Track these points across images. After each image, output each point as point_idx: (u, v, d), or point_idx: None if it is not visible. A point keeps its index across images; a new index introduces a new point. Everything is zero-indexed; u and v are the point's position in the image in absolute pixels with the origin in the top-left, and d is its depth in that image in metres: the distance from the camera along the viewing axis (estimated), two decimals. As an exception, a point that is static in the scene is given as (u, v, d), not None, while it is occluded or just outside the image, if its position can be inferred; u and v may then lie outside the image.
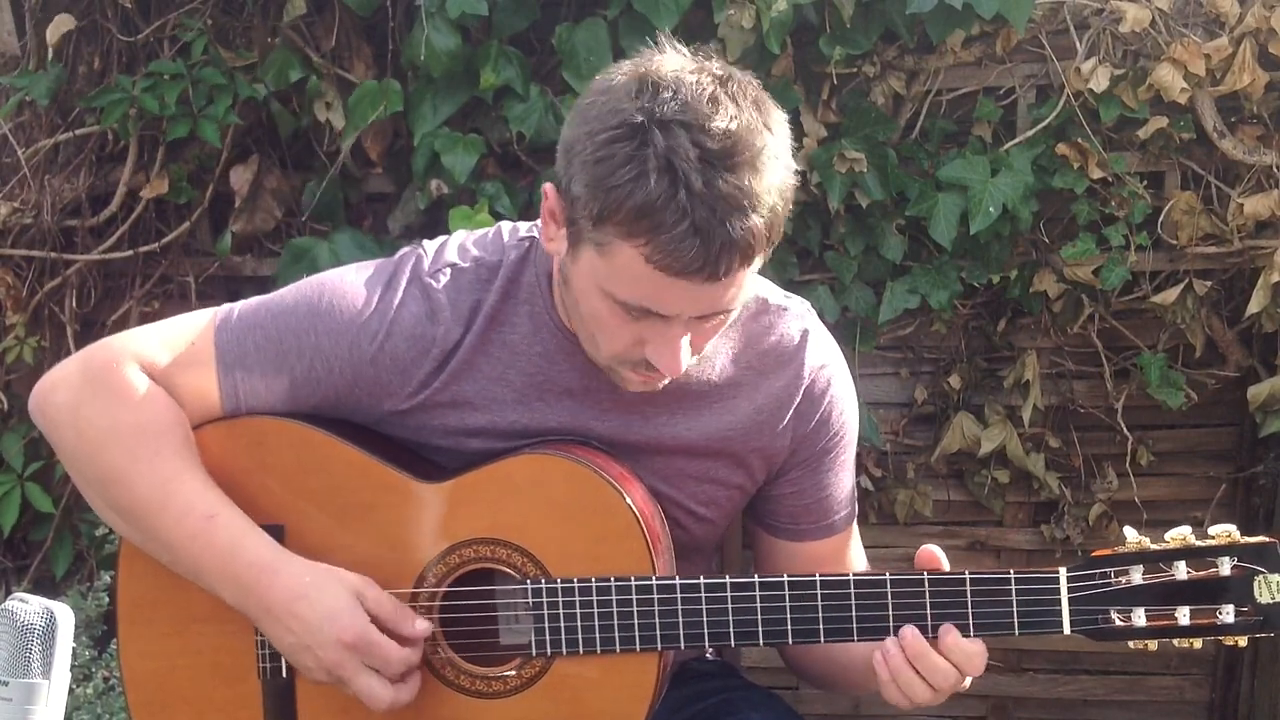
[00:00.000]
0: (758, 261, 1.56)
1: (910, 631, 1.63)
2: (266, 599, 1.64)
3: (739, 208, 1.48)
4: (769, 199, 1.51)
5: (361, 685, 1.64)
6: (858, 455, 3.24)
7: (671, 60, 1.57)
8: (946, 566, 1.66)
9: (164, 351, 1.73)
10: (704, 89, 1.51)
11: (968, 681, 1.65)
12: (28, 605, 1.42)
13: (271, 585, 1.64)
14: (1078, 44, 3.05)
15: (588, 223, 1.53)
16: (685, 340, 1.60)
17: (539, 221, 1.80)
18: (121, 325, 3.22)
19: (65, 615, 1.44)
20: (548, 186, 1.61)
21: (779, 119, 1.58)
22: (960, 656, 1.62)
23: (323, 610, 1.63)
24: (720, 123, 1.49)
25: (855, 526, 1.96)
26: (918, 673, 1.63)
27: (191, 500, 1.67)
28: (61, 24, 3.17)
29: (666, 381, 1.68)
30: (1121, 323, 3.23)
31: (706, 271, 1.49)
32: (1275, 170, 3.04)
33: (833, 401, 1.85)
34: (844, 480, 1.91)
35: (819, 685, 1.98)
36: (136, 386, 1.70)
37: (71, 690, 2.82)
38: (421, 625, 1.67)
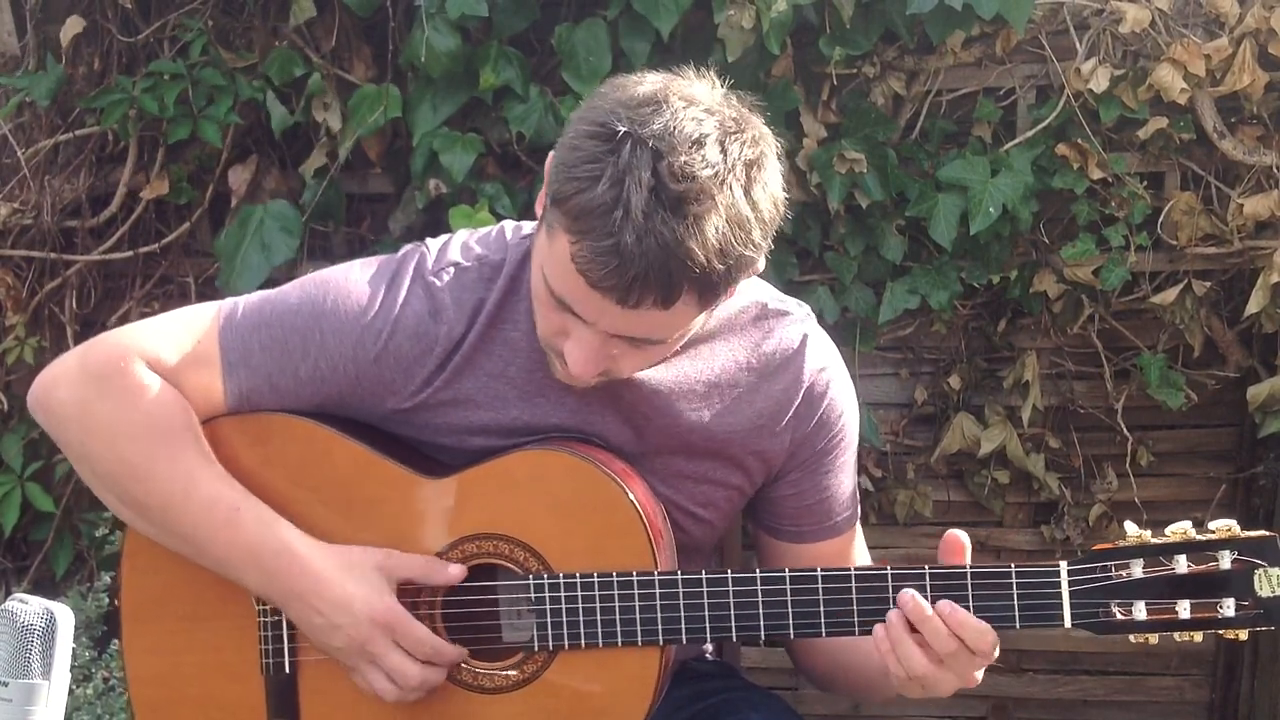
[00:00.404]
0: (681, 310, 1.53)
1: (908, 593, 1.61)
2: (296, 584, 1.66)
3: (667, 253, 1.46)
4: (702, 257, 1.47)
5: (394, 663, 1.65)
6: (858, 455, 3.26)
7: (698, 90, 1.55)
8: (968, 554, 1.65)
9: (169, 349, 1.73)
10: (699, 128, 1.49)
11: (979, 675, 1.64)
12: (28, 606, 1.41)
13: (303, 570, 1.66)
14: (1078, 44, 3.05)
15: (549, 199, 1.55)
16: (598, 349, 1.58)
17: None
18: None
19: (65, 616, 1.43)
20: (551, 154, 1.60)
21: (768, 192, 1.54)
22: (966, 630, 1.59)
23: (352, 588, 1.65)
24: (689, 166, 1.46)
25: (859, 529, 1.96)
26: (918, 641, 1.61)
27: (214, 494, 1.69)
28: (73, 26, 3.18)
29: (589, 383, 1.66)
30: (1121, 323, 3.23)
31: (616, 295, 1.49)
32: (1275, 170, 3.04)
33: (831, 404, 1.85)
34: (844, 482, 1.91)
35: (830, 687, 1.97)
36: (147, 384, 1.70)
37: (71, 691, 2.82)
38: (455, 569, 1.69)
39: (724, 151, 1.49)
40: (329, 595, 1.65)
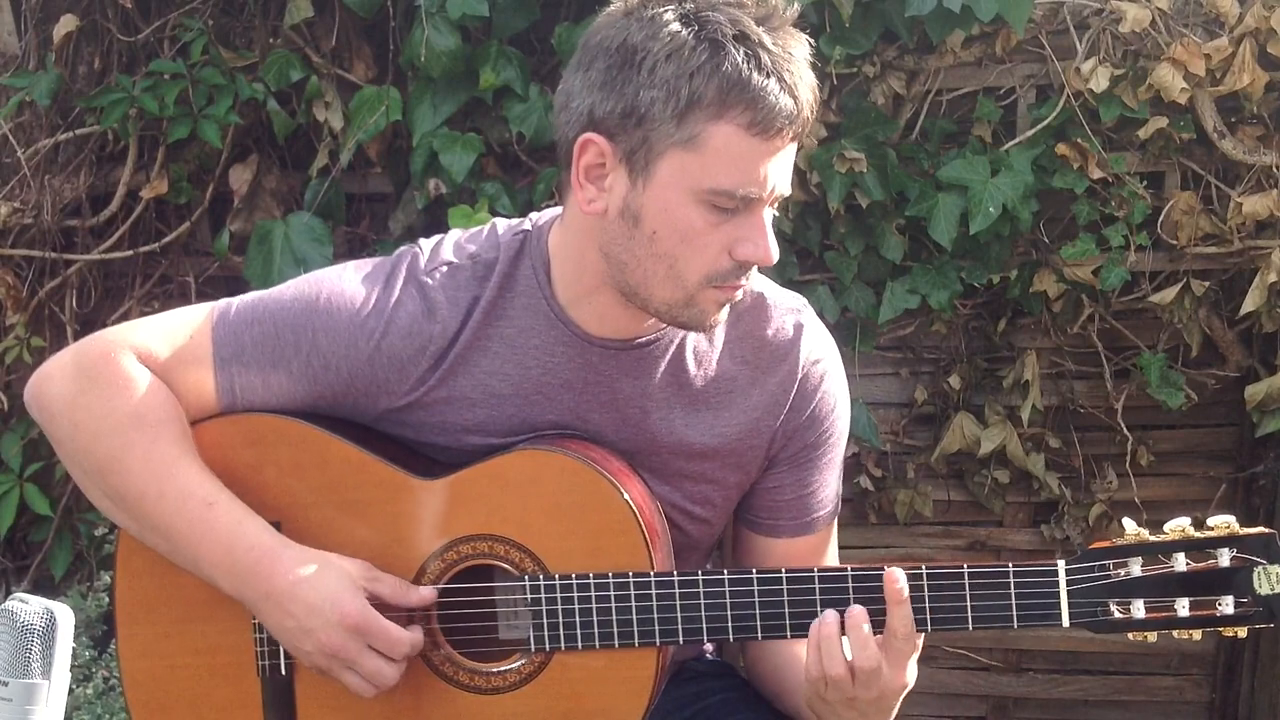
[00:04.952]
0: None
1: (857, 610, 1.61)
2: (267, 584, 1.64)
3: (801, 60, 1.58)
4: (810, 45, 1.61)
5: (368, 666, 1.64)
6: (857, 455, 3.26)
7: None
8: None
9: (161, 344, 1.73)
10: None
11: (911, 673, 1.63)
12: (28, 605, 1.42)
13: (273, 571, 1.64)
14: (1078, 44, 3.05)
15: (670, 124, 1.55)
16: (770, 224, 1.63)
17: (533, 215, 1.80)
18: (121, 325, 3.22)
19: (65, 615, 1.44)
20: (585, 138, 1.60)
21: None
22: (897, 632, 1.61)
23: (325, 593, 1.62)
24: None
25: (834, 530, 1.94)
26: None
27: (190, 487, 1.67)
28: (65, 24, 3.18)
29: (740, 294, 1.69)
30: (1121, 323, 3.23)
31: (798, 123, 1.57)
32: (1275, 170, 3.04)
33: (824, 398, 1.84)
34: (829, 479, 1.90)
35: (772, 700, 1.94)
36: (133, 376, 1.70)
37: (71, 690, 2.82)
38: (425, 591, 1.68)
39: None
40: (301, 598, 1.63)
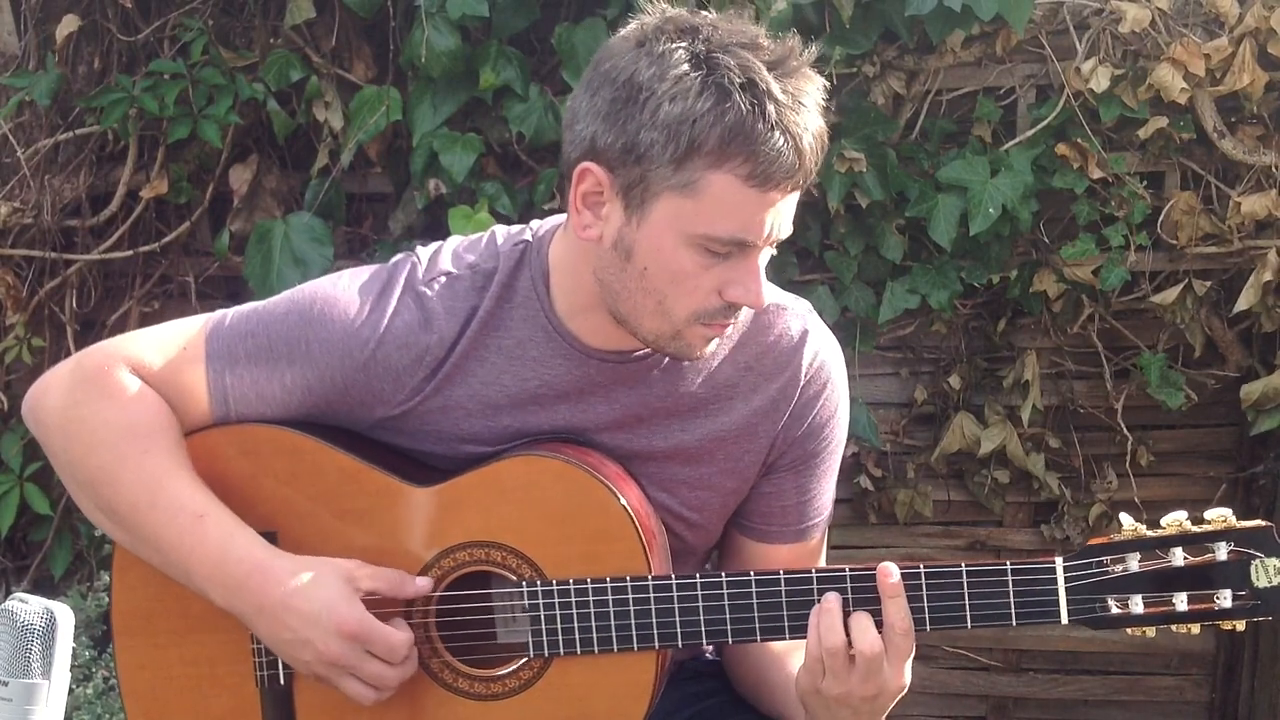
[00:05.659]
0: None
1: (864, 617, 1.61)
2: (259, 598, 1.63)
3: (810, 107, 1.54)
4: (823, 94, 1.58)
5: (369, 671, 1.63)
6: (856, 455, 3.26)
7: (670, 12, 1.60)
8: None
9: (155, 354, 1.72)
10: (728, 19, 1.58)
11: (908, 675, 1.62)
12: (28, 605, 1.42)
13: (264, 583, 1.63)
14: (1077, 44, 3.05)
15: (668, 168, 1.53)
16: (762, 270, 1.62)
17: (534, 223, 1.79)
18: (121, 325, 3.23)
19: (65, 615, 1.43)
20: (584, 167, 1.59)
21: None
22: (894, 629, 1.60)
23: (320, 602, 1.61)
24: (764, 40, 1.55)
25: (824, 538, 1.93)
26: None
27: (181, 500, 1.66)
28: (65, 24, 3.18)
29: (730, 330, 1.71)
30: (1121, 323, 3.23)
31: (799, 175, 1.55)
32: (1275, 170, 3.04)
33: (826, 405, 1.83)
34: (825, 487, 1.88)
35: (754, 703, 1.93)
36: (127, 387, 1.69)
37: (71, 690, 2.82)
38: (422, 582, 1.67)
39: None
40: (296, 609, 1.62)
